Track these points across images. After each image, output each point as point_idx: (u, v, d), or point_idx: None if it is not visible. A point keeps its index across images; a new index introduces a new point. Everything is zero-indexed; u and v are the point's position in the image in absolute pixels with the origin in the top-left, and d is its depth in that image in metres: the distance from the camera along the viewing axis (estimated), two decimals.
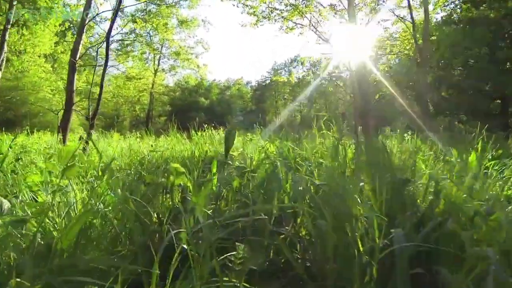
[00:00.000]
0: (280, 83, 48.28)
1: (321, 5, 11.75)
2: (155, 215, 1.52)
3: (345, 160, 1.87)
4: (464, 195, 1.42)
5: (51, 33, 15.98)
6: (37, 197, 1.88)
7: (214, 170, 2.10)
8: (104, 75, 3.88)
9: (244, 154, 2.53)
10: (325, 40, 11.87)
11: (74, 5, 11.93)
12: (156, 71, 25.16)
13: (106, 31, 4.72)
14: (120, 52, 21.64)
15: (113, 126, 19.53)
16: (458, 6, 17.36)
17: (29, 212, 1.39)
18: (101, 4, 6.91)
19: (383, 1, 12.47)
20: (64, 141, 5.11)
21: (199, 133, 5.53)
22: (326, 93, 42.85)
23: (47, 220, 1.35)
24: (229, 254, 1.05)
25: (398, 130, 3.36)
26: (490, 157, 2.57)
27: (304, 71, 36.70)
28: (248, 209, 1.41)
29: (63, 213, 1.44)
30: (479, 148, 2.52)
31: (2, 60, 7.68)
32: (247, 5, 11.97)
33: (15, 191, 2.02)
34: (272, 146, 2.52)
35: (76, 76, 6.00)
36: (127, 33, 20.26)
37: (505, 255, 1.06)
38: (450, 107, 16.06)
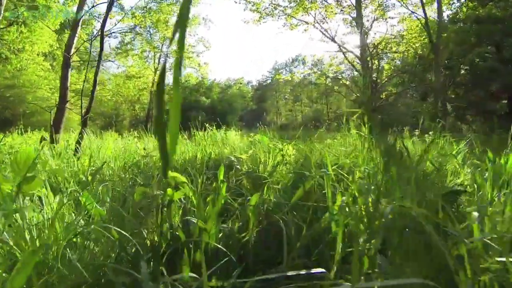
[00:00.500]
0: (281, 83, 48.00)
1: (326, 1, 11.41)
2: (149, 243, 1.17)
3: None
4: None
5: (50, 31, 15.69)
6: None
7: (221, 177, 1.76)
8: (98, 70, 3.55)
9: (255, 157, 2.18)
10: (330, 38, 11.53)
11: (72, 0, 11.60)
12: (156, 69, 24.82)
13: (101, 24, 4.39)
14: (120, 51, 21.32)
15: (111, 126, 19.24)
16: (464, 5, 17.04)
17: None
18: None
19: None
20: (56, 142, 4.77)
21: (201, 133, 5.18)
22: (327, 92, 42.52)
23: None
24: None
25: (431, 132, 3.02)
26: None
27: (306, 71, 36.27)
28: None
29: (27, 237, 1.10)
30: None
31: None
32: (249, 1, 11.63)
33: None
34: (290, 148, 2.16)
35: (70, 73, 5.69)
36: (127, 31, 19.93)
37: None
38: (456, 107, 15.72)
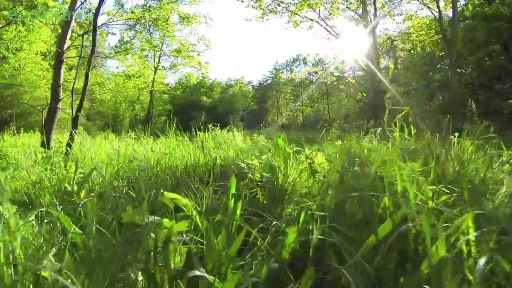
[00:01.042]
0: (282, 83, 47.64)
1: None
2: None
3: None
4: None
5: (49, 30, 15.41)
6: None
7: (233, 191, 1.41)
8: (90, 64, 3.22)
9: (272, 165, 1.81)
10: (335, 35, 11.17)
11: None
12: (156, 68, 24.45)
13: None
14: (119, 49, 20.96)
15: (108, 126, 18.91)
16: (470, 2, 16.69)
17: None
18: None
19: None
20: (48, 144, 4.42)
21: (202, 134, 4.82)
22: (328, 92, 42.12)
23: None
24: None
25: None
26: None
27: (311, 69, 35.85)
28: None
29: None
30: None
31: None
32: None
33: None
34: (320, 156, 1.76)
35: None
36: (123, 25, 19.58)
37: None
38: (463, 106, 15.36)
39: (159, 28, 20.40)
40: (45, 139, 4.46)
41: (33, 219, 1.30)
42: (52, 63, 22.47)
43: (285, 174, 1.64)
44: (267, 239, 1.04)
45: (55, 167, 2.73)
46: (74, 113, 3.35)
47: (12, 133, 6.56)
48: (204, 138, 4.57)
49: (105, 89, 24.94)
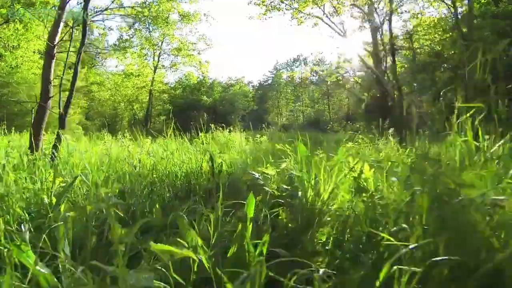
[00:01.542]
0: (282, 83, 47.34)
1: None
2: None
3: None
4: None
5: (46, 29, 15.09)
6: None
7: (251, 214, 1.06)
8: (79, 56, 2.87)
9: (296, 177, 1.44)
10: (341, 34, 10.84)
11: None
12: (155, 67, 24.07)
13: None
14: (117, 48, 20.62)
15: (110, 126, 18.57)
16: (476, 1, 16.39)
17: None
18: None
19: None
20: (36, 146, 4.05)
21: (203, 135, 4.45)
22: (329, 92, 41.81)
23: None
24: None
25: None
26: None
27: (314, 67, 35.52)
28: None
29: None
30: None
31: None
32: None
33: None
34: (367, 168, 1.34)
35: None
36: (125, 27, 19.24)
37: None
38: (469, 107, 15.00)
39: (159, 26, 20.06)
40: (33, 140, 4.11)
41: None
42: None
43: (316, 189, 1.28)
44: None
45: (36, 173, 2.37)
46: (62, 110, 3.00)
47: (4, 133, 6.19)
48: (206, 139, 4.22)
49: (103, 88, 24.60)
